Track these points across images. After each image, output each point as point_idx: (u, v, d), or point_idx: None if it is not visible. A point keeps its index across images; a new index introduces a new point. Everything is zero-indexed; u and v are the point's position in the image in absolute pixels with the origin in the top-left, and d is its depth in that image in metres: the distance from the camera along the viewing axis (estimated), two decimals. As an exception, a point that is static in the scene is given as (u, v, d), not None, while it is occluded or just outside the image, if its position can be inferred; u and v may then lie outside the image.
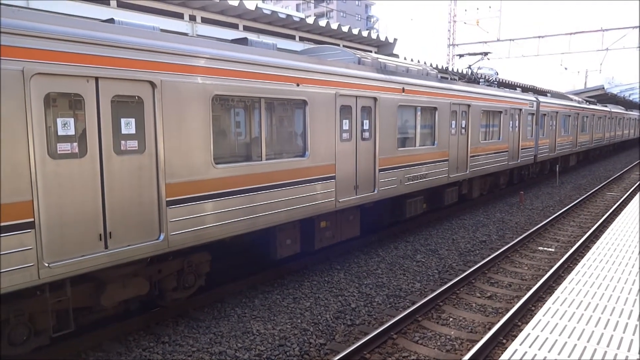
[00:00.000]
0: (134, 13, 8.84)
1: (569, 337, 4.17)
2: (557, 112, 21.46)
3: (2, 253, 4.54)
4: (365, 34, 14.45)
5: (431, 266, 9.71)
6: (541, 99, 19.83)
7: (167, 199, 5.93)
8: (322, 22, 12.77)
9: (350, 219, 9.66)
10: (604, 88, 40.63)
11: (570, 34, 28.37)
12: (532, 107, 18.52)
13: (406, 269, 9.46)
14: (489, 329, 6.82)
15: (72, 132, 5.08)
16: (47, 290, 5.17)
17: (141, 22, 6.27)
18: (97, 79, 5.21)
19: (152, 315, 6.83)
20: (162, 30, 6.37)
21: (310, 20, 12.36)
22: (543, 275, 8.87)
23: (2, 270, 4.54)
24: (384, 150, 9.88)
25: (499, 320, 6.90)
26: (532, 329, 4.33)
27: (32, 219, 4.74)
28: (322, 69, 8.31)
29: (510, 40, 30.07)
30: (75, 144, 5.10)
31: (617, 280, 5.62)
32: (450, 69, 19.58)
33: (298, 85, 7.74)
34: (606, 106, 33.20)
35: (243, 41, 7.61)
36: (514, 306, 7.29)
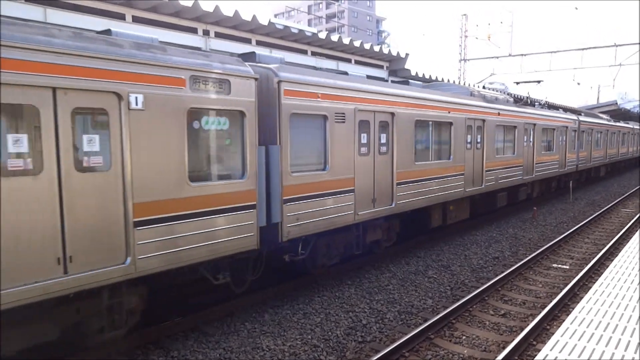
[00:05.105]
0: (149, 28, 8.95)
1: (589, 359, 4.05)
2: (592, 129, 25.02)
3: (341, 205, 8.56)
4: (377, 48, 14.50)
5: (443, 282, 9.57)
6: (581, 118, 23.39)
7: (397, 182, 9.97)
8: (334, 37, 12.84)
9: (464, 205, 13.27)
10: (617, 103, 40.32)
11: (583, 49, 28.22)
12: (575, 125, 22.13)
13: (418, 285, 9.34)
14: (503, 348, 6.67)
15: (365, 140, 9.06)
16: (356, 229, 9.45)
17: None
18: (374, 112, 9.30)
19: (161, 329, 6.79)
20: (178, 45, 6.63)
21: (322, 35, 12.43)
22: (558, 294, 8.69)
23: (343, 214, 8.65)
24: (488, 156, 13.75)
25: (513, 339, 6.75)
26: (550, 350, 4.21)
27: (353, 187, 8.73)
28: (459, 101, 12.26)
29: (522, 55, 29.99)
30: (366, 148, 9.08)
31: (638, 300, 5.48)
32: (462, 83, 19.63)
33: (449, 112, 11.73)
34: (628, 123, 35.69)
35: (405, 83, 11.43)
36: (528, 325, 7.14)
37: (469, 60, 35.24)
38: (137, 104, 5.45)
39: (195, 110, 6.14)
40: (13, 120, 4.62)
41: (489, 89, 19.47)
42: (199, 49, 6.92)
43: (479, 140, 13.21)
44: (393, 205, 9.88)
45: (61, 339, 5.40)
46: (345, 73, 9.57)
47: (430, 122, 11.17)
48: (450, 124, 11.79)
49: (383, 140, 9.56)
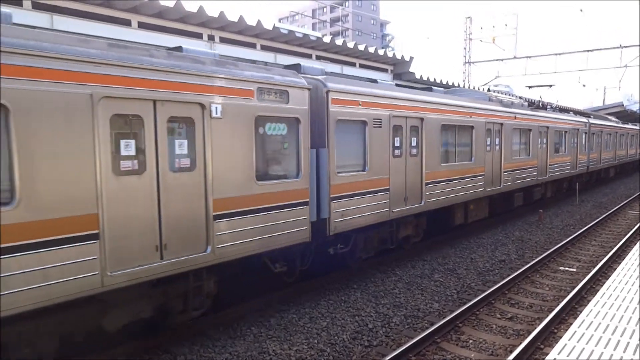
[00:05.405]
0: (154, 33, 9.01)
1: (596, 363, 4.02)
2: (601, 131, 25.86)
3: (378, 202, 9.27)
4: (381, 52, 14.51)
5: (449, 286, 9.54)
6: (591, 120, 24.18)
7: (426, 182, 10.61)
8: (339, 41, 12.86)
9: (483, 204, 13.98)
10: (623, 105, 40.08)
11: (588, 51, 28.14)
12: (586, 127, 22.96)
13: (424, 289, 9.31)
14: (511, 351, 6.64)
15: (398, 143, 9.77)
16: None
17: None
18: (406, 118, 9.99)
19: (168, 334, 6.80)
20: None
21: (326, 39, 12.46)
22: (565, 297, 8.63)
23: (380, 211, 9.29)
24: (505, 157, 14.58)
25: (520, 343, 6.71)
26: (558, 354, 4.19)
27: (388, 187, 9.44)
28: (479, 106, 13.10)
29: (526, 57, 29.93)
30: (399, 151, 9.84)
31: (645, 303, 5.44)
32: (467, 86, 19.61)
33: (471, 117, 12.52)
34: (636, 125, 36.39)
35: (428, 89, 12.34)
36: (536, 328, 7.10)
37: (473, 62, 35.22)
38: (216, 113, 6.24)
39: (260, 118, 6.95)
40: (124, 128, 5.41)
41: (493, 92, 19.47)
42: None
43: (497, 142, 14.09)
44: (422, 204, 10.63)
45: (153, 317, 6.16)
46: (375, 81, 10.39)
47: (454, 126, 11.89)
48: (472, 127, 12.64)
49: (413, 144, 10.36)
